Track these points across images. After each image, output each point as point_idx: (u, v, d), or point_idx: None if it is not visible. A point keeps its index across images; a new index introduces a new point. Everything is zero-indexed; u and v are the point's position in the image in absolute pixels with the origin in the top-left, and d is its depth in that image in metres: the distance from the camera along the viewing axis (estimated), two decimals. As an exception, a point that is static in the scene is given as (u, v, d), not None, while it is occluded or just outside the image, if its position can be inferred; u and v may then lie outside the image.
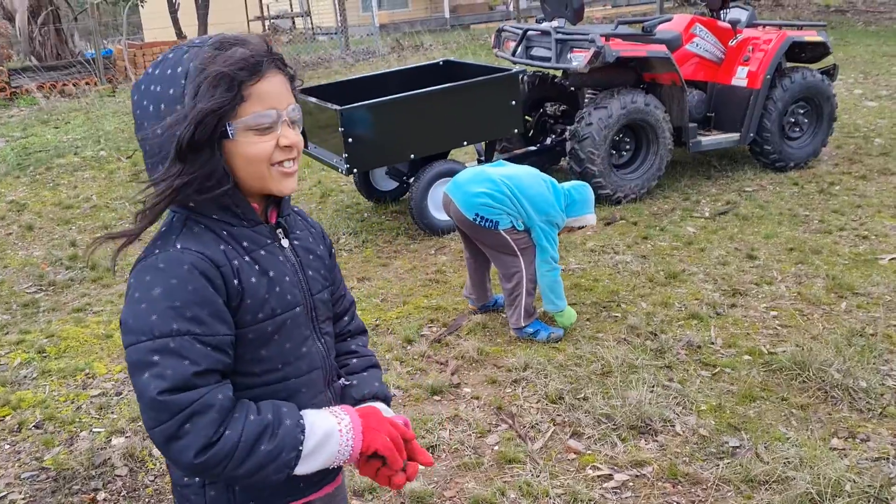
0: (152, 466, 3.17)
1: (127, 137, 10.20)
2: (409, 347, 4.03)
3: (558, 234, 4.03)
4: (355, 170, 5.27)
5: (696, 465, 2.97)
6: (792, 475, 2.81)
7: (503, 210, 3.79)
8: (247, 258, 1.32)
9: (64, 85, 16.43)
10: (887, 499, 2.67)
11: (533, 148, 6.65)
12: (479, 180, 3.87)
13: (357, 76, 6.73)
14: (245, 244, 1.33)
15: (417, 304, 4.54)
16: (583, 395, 3.44)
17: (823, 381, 3.43)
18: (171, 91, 1.25)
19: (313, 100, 5.48)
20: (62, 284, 5.30)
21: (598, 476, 2.95)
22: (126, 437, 3.37)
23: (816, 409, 3.29)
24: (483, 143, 6.18)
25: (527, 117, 7.06)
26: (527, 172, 3.96)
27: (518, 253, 3.87)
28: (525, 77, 6.88)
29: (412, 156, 5.43)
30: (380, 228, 5.94)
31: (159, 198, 1.28)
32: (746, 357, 3.72)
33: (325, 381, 1.46)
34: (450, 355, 3.91)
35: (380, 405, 1.52)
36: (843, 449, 3.02)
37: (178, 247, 1.27)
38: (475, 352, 3.86)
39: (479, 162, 6.24)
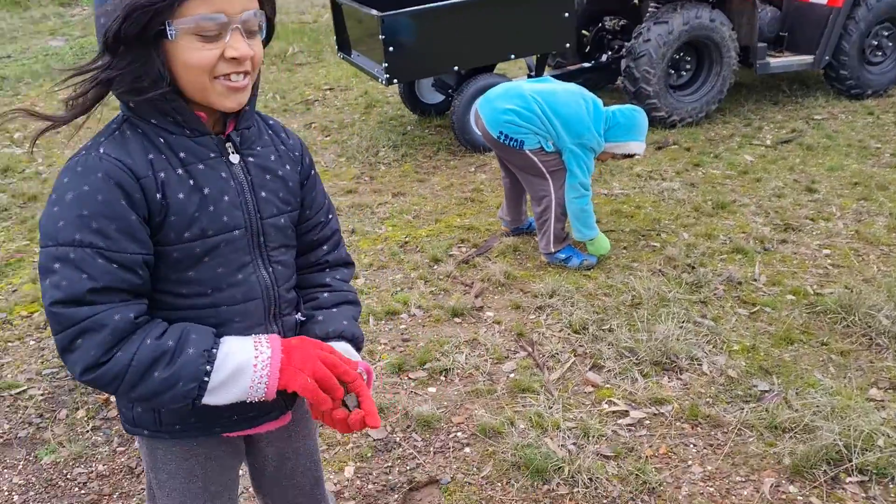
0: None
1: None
2: (435, 267, 3.92)
3: (598, 160, 3.80)
4: (395, 80, 5.06)
5: (719, 407, 2.82)
6: (820, 424, 2.63)
7: (530, 129, 3.57)
8: (179, 171, 1.21)
9: (126, -15, 16.36)
10: (922, 457, 2.49)
11: (587, 65, 6.32)
12: (508, 96, 3.64)
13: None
14: (181, 155, 1.21)
15: (450, 223, 4.40)
16: (608, 326, 3.29)
17: (870, 327, 3.19)
18: None
19: (355, 4, 5.25)
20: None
21: (614, 412, 2.83)
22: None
23: (858, 356, 3.08)
24: (534, 58, 5.87)
25: (584, 31, 6.69)
26: (565, 90, 3.70)
27: (547, 175, 3.67)
28: (584, -12, 6.47)
29: (456, 68, 5.20)
30: (421, 143, 5.77)
31: (84, 87, 1.17)
32: (790, 297, 3.50)
33: (268, 314, 1.34)
34: (476, 277, 3.79)
35: (344, 345, 1.40)
36: (882, 401, 2.82)
37: (101, 151, 1.16)
38: (502, 275, 3.73)
39: (529, 77, 5.95)
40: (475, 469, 2.58)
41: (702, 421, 2.76)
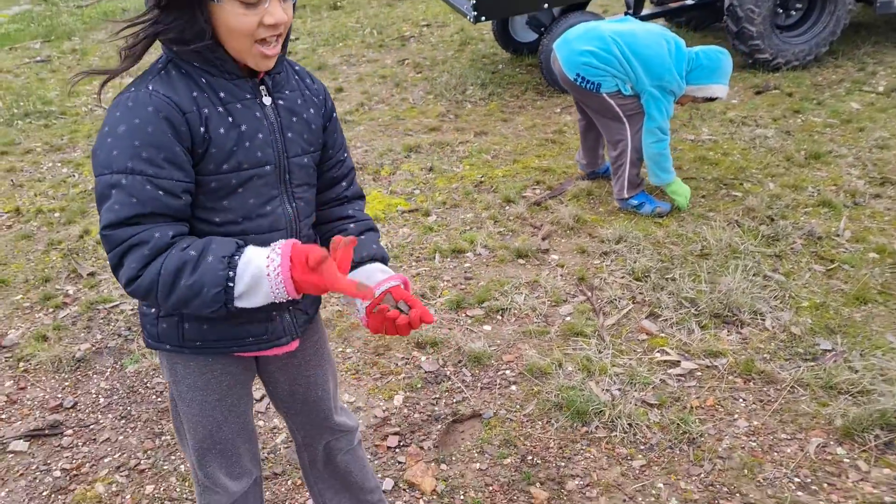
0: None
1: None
2: (507, 208, 3.95)
3: (678, 104, 3.68)
4: (483, 18, 5.02)
5: (776, 363, 2.75)
6: (880, 388, 2.54)
7: (608, 72, 3.48)
8: (220, 108, 1.32)
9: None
10: None
11: (690, 2, 6.01)
12: (587, 38, 3.55)
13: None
14: (222, 95, 1.32)
15: (527, 164, 4.39)
16: (671, 275, 3.25)
17: (956, 291, 3.01)
18: None
19: (447, -61, 5.20)
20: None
21: (665, 361, 2.82)
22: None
23: (939, 320, 2.92)
24: (632, -7, 5.66)
25: (690, -34, 6.35)
26: (646, 30, 3.57)
27: (624, 119, 3.59)
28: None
29: (545, 5, 5.08)
30: (510, 82, 5.72)
31: (135, 40, 1.28)
32: (873, 255, 3.32)
33: None
34: (546, 220, 3.80)
35: (378, 265, 1.52)
36: (956, 369, 2.67)
37: (150, 88, 1.28)
38: (571, 219, 3.72)
39: (626, 14, 5.75)
40: (518, 406, 2.65)
41: (755, 376, 2.71)
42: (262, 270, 1.25)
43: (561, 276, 3.36)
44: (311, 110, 1.47)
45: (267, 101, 1.38)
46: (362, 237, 1.57)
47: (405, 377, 2.83)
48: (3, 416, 2.83)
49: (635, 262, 3.35)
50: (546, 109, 5.17)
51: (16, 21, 9.72)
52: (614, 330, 3.00)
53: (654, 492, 2.27)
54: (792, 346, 2.84)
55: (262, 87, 1.38)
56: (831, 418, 2.49)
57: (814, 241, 3.44)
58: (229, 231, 1.37)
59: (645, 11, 5.98)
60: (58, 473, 2.55)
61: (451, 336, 3.00)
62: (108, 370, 2.98)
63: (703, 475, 2.34)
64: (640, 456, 2.42)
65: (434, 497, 2.32)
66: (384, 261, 1.57)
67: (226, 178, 1.34)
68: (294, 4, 1.35)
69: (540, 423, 2.58)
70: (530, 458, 2.44)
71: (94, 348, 3.10)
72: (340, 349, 3.01)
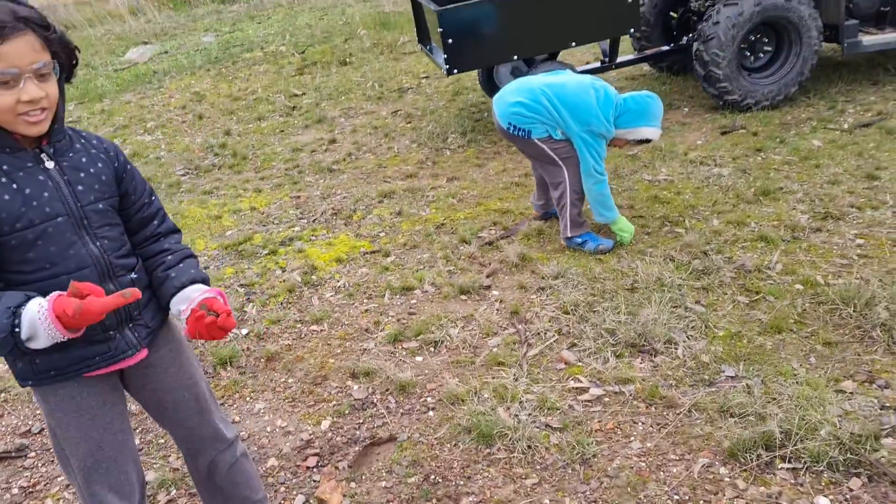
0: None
1: (310, 34, 10.88)
2: (461, 248, 4.18)
3: (614, 146, 3.89)
4: (455, 70, 5.32)
5: (679, 389, 2.90)
6: (769, 412, 2.67)
7: (536, 119, 3.73)
8: (3, 179, 1.58)
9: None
10: (861, 450, 2.47)
11: (665, 48, 6.24)
12: (517, 90, 3.82)
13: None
14: (5, 167, 1.59)
15: (489, 207, 4.63)
16: (597, 308, 3.42)
17: (866, 319, 3.12)
18: None
19: (424, 1, 5.55)
20: (205, 169, 6.01)
21: (576, 388, 2.99)
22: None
23: (845, 347, 3.02)
24: (608, 43, 5.91)
25: (672, 13, 6.60)
26: (575, 81, 3.81)
27: (560, 162, 3.81)
28: (670, -31, 6.39)
29: (515, 57, 5.37)
30: (491, 129, 5.99)
31: None
32: (798, 287, 3.44)
33: (102, 278, 1.71)
34: (494, 258, 4.01)
35: (199, 286, 1.82)
36: (851, 393, 2.78)
37: None
38: (517, 257, 3.93)
39: (602, 63, 6.00)
40: (431, 430, 2.85)
41: (658, 401, 2.86)
42: (34, 319, 1.49)
43: (497, 310, 3.56)
44: (100, 164, 1.75)
45: (49, 164, 1.65)
46: (181, 265, 1.86)
47: (335, 404, 3.06)
48: (-22, 442, 3.15)
49: (567, 296, 3.53)
50: (518, 154, 5.41)
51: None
52: (535, 360, 3.18)
53: (532, 506, 2.44)
54: (698, 373, 2.98)
55: (42, 155, 1.64)
56: (720, 440, 2.62)
57: (743, 275, 3.58)
58: (41, 276, 1.63)
59: (627, 57, 6.22)
60: (16, 491, 2.83)
61: (384, 367, 3.22)
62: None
63: (588, 492, 2.50)
64: (534, 475, 2.59)
65: (333, 511, 2.52)
66: (204, 281, 1.86)
67: (21, 234, 1.59)
68: (62, 80, 1.62)
69: (448, 445, 2.77)
70: (433, 477, 2.63)
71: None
72: (283, 380, 3.26)
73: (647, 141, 3.86)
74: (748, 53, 5.57)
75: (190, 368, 2.00)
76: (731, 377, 2.93)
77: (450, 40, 5.16)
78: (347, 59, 9.00)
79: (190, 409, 1.99)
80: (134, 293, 1.52)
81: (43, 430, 3.15)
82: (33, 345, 1.53)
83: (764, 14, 5.28)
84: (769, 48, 5.60)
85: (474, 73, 7.34)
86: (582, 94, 3.73)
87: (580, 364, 3.12)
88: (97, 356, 1.74)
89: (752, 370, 2.93)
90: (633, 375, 3.00)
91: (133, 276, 1.80)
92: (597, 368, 3.07)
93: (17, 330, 1.50)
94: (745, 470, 2.50)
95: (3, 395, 3.41)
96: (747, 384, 2.86)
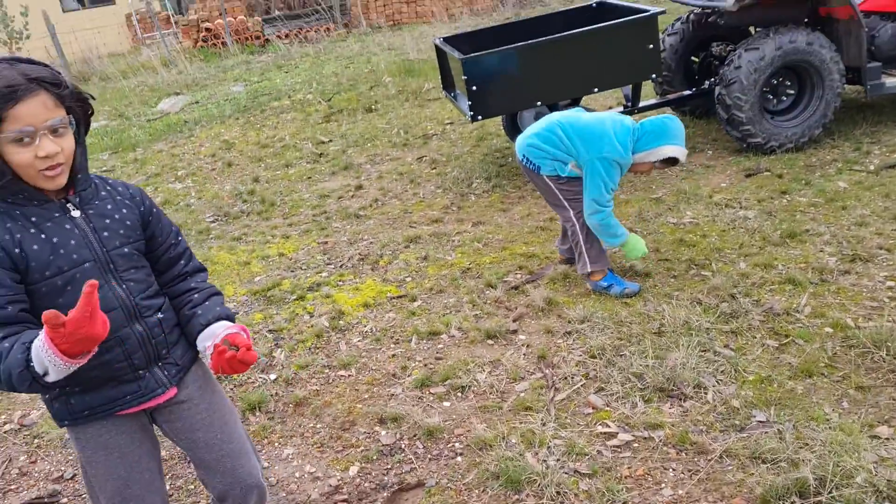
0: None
1: (336, 82, 11.11)
2: (487, 292, 4.20)
3: (638, 172, 3.91)
4: (479, 117, 5.41)
5: (710, 435, 2.87)
6: (803, 457, 2.63)
7: (547, 154, 3.84)
8: (32, 230, 1.69)
9: (307, 32, 18.00)
10: (898, 496, 2.42)
11: (687, 92, 6.29)
12: (538, 125, 3.95)
13: (510, 21, 6.77)
14: (33, 219, 1.70)
15: (514, 251, 4.66)
16: (624, 352, 3.41)
17: (899, 362, 3.08)
18: None
19: (448, 47, 5.67)
20: (234, 215, 6.12)
21: (604, 433, 2.97)
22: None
23: (879, 392, 2.98)
24: (630, 88, 5.98)
25: (693, 58, 6.67)
26: (592, 114, 3.90)
27: (566, 203, 3.91)
28: (691, 15, 6.48)
29: (538, 103, 5.45)
30: (515, 174, 6.05)
31: None
32: (828, 330, 3.41)
33: (129, 318, 1.79)
34: (520, 303, 4.03)
35: (224, 322, 1.90)
36: (887, 439, 2.74)
37: None
38: (543, 301, 3.94)
39: (625, 107, 6.07)
40: (460, 476, 2.84)
41: (688, 447, 2.83)
42: (38, 350, 1.54)
43: (524, 354, 3.57)
44: (125, 210, 1.85)
45: (76, 213, 1.76)
46: (207, 303, 1.95)
47: (364, 450, 3.07)
48: (14, 487, 3.19)
49: (594, 340, 3.53)
50: (543, 199, 5.45)
51: (90, 136, 10.74)
52: (563, 404, 3.17)
53: (563, 554, 2.41)
54: (729, 418, 2.95)
55: (69, 205, 1.75)
56: (752, 487, 2.59)
57: (772, 318, 3.56)
58: None
59: (649, 101, 6.28)
60: (47, 537, 2.86)
61: (412, 412, 3.23)
62: (106, 445, 3.31)
63: (619, 540, 2.47)
64: (563, 522, 2.57)
65: (362, 558, 2.51)
66: (229, 318, 1.95)
67: (51, 281, 1.70)
68: (81, 132, 1.73)
69: (476, 491, 2.76)
70: (461, 523, 2.62)
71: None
72: (311, 425, 3.28)
73: (675, 162, 3.78)
74: (771, 96, 5.60)
75: (222, 408, 2.05)
76: (763, 422, 2.90)
77: (474, 87, 5.25)
78: (373, 107, 9.17)
79: (224, 451, 2.03)
80: (91, 283, 1.50)
81: (75, 475, 3.19)
82: (49, 379, 1.57)
83: (785, 58, 5.32)
84: (792, 91, 5.63)
85: (498, 119, 7.45)
86: (595, 123, 3.79)
87: (608, 409, 3.10)
88: (128, 395, 1.81)
89: (784, 415, 2.90)
90: (662, 420, 2.98)
91: (160, 315, 1.88)
92: (625, 413, 3.06)
93: (31, 364, 1.55)
94: (779, 517, 2.46)
95: (36, 440, 3.46)
96: (779, 429, 2.82)
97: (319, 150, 7.66)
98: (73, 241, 1.73)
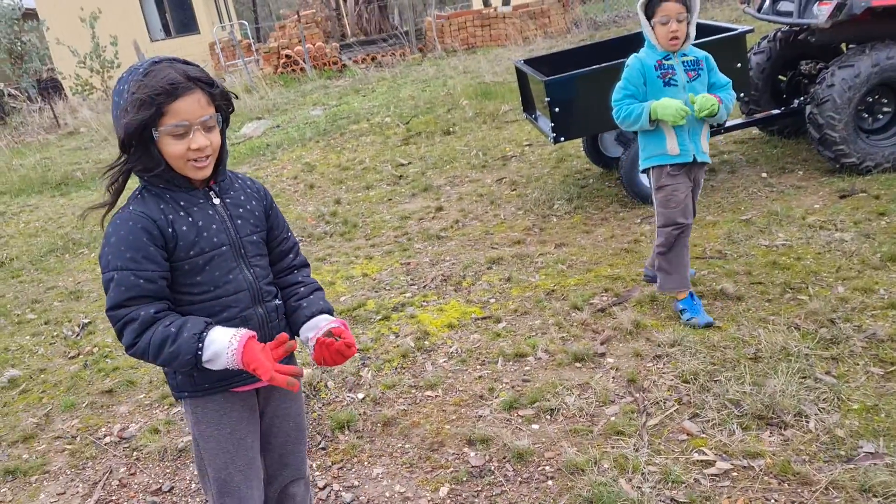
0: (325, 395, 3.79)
1: (413, 105, 11.27)
2: (573, 314, 4.16)
3: (662, 45, 3.72)
4: (562, 138, 5.39)
5: (814, 465, 2.76)
6: (917, 492, 2.50)
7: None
8: (181, 213, 1.85)
9: (382, 56, 18.36)
10: None
11: (776, 111, 6.12)
12: None
13: (586, 42, 6.74)
14: (182, 203, 1.88)
15: (599, 273, 4.61)
16: (719, 378, 3.32)
17: None
18: (119, 102, 1.79)
19: (529, 69, 5.69)
20: (317, 236, 6.25)
21: (701, 460, 2.89)
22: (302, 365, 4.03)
23: None
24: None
25: (780, 77, 6.51)
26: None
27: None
28: (778, 34, 6.33)
29: (621, 124, 5.39)
30: (597, 195, 6.00)
31: (115, 176, 1.86)
32: (938, 357, 3.25)
33: (254, 301, 1.96)
34: (607, 325, 3.97)
35: (325, 316, 2.05)
36: None
37: (131, 208, 1.84)
38: (631, 324, 3.87)
39: (711, 128, 5.94)
40: (551, 500, 2.81)
41: (791, 477, 2.73)
42: (223, 349, 1.76)
43: (613, 378, 3.51)
44: (253, 202, 2.02)
45: (216, 201, 1.93)
46: (311, 297, 2.09)
47: (453, 471, 3.06)
48: (114, 498, 3.30)
49: (686, 365, 3.45)
50: (627, 220, 5.39)
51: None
52: (656, 430, 3.10)
53: (663, 584, 2.35)
54: (834, 447, 2.83)
55: (211, 193, 1.92)
56: (862, 521, 2.47)
57: (876, 344, 3.41)
58: (205, 299, 1.88)
59: (736, 121, 6.15)
60: (148, 547, 2.95)
61: (501, 434, 3.22)
62: (201, 459, 3.41)
63: (721, 572, 2.39)
64: (661, 551, 2.50)
65: (457, 580, 2.50)
66: (330, 312, 2.09)
67: (193, 260, 1.86)
68: (223, 130, 1.88)
69: (569, 516, 2.72)
70: (555, 549, 2.58)
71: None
72: (400, 445, 3.30)
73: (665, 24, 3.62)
74: (866, 115, 5.40)
75: (300, 401, 2.23)
76: (871, 453, 2.77)
77: (557, 109, 5.24)
78: (451, 129, 9.25)
79: (289, 438, 2.20)
80: (293, 386, 1.77)
81: (173, 488, 3.28)
82: (211, 366, 1.77)
83: (882, 75, 5.13)
84: (888, 109, 5.42)
85: (577, 141, 7.41)
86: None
87: (704, 436, 3.02)
88: (244, 373, 1.91)
89: (894, 446, 2.76)
90: (762, 449, 2.88)
91: (277, 301, 2.04)
92: (722, 441, 2.97)
93: (199, 353, 1.74)
94: (894, 555, 2.34)
95: (135, 453, 3.59)
96: (890, 461, 2.69)
97: (399, 173, 7.77)
98: (214, 226, 1.89)
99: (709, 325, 3.77)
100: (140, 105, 1.72)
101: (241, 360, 1.75)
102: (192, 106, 1.76)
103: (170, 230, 1.81)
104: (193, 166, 1.81)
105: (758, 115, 6.15)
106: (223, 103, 1.86)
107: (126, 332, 1.76)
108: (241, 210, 1.96)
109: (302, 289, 2.10)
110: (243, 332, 1.79)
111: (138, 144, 1.78)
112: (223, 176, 1.95)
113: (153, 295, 1.79)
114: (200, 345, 1.74)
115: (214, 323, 1.82)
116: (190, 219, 1.85)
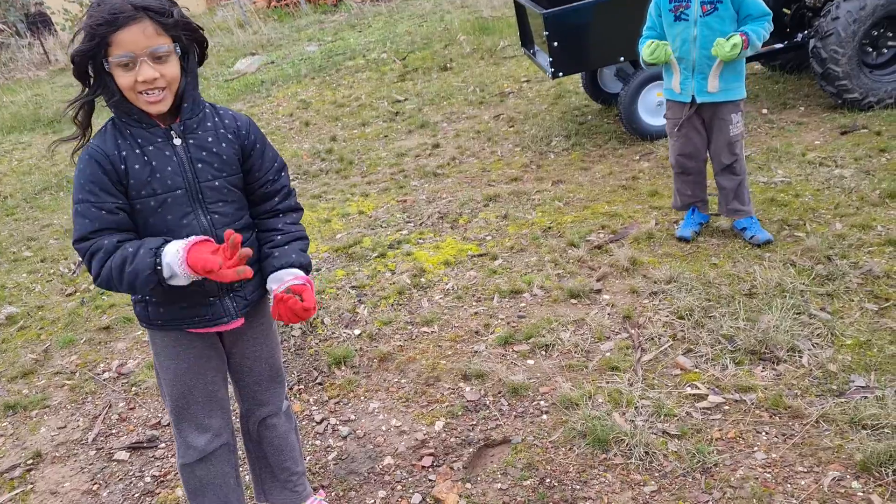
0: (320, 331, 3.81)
1: (409, 41, 11.05)
2: (569, 251, 4.15)
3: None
4: (561, 74, 5.29)
5: (805, 399, 2.79)
6: (906, 425, 2.53)
7: None
8: (137, 151, 1.83)
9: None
10: None
11: (779, 45, 6.00)
12: None
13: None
14: (139, 140, 1.84)
15: (596, 210, 4.58)
16: (713, 314, 3.33)
17: None
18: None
19: (528, 3, 5.55)
20: (313, 174, 6.20)
21: (694, 394, 2.92)
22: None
23: None
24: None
25: (784, 10, 6.35)
26: None
27: None
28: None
29: (622, 59, 5.29)
30: (595, 132, 5.93)
31: (77, 108, 1.84)
32: (933, 294, 3.25)
33: None
34: (604, 262, 3.97)
35: (294, 271, 1.98)
36: None
37: (91, 143, 1.83)
38: (627, 261, 3.87)
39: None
40: (546, 434, 2.84)
41: (782, 411, 2.76)
42: (175, 261, 1.74)
43: (608, 314, 3.52)
44: (224, 144, 1.93)
45: (177, 142, 1.87)
46: (286, 247, 2.03)
47: (448, 405, 3.10)
48: (114, 431, 3.35)
49: (682, 301, 3.46)
50: (625, 157, 5.34)
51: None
52: (650, 365, 3.13)
53: (653, 513, 2.40)
54: (825, 382, 2.86)
55: (172, 132, 1.86)
56: (851, 453, 2.51)
57: (871, 280, 3.41)
58: None
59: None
60: (148, 479, 3.00)
61: (496, 369, 3.24)
62: (200, 394, 3.44)
63: (710, 502, 2.43)
64: (652, 482, 2.54)
65: (451, 509, 2.55)
66: (302, 267, 2.01)
67: (145, 201, 1.84)
68: (183, 60, 1.82)
69: (563, 449, 2.76)
70: (549, 480, 2.63)
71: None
72: (396, 380, 3.32)
73: None
74: (870, 49, 5.30)
75: (273, 343, 2.22)
76: (862, 387, 2.79)
77: (555, 43, 5.13)
78: (448, 65, 9.09)
79: (262, 377, 2.22)
80: (246, 273, 1.70)
81: (172, 422, 3.32)
82: (175, 282, 1.76)
83: (888, 8, 5.01)
84: (893, 43, 5.31)
85: (576, 77, 7.29)
86: None
87: (697, 370, 3.04)
88: (196, 317, 1.94)
89: (885, 380, 2.79)
90: (754, 384, 2.90)
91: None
92: (715, 375, 2.99)
93: (158, 268, 1.73)
94: (881, 485, 2.38)
95: (134, 388, 3.62)
96: (880, 395, 2.72)
97: (395, 109, 7.66)
98: (169, 168, 1.85)
99: (768, 243, 3.83)
100: (83, 36, 1.70)
101: (187, 265, 1.72)
102: (137, 36, 1.70)
103: (122, 166, 1.80)
104: (145, 100, 1.76)
105: (762, 50, 6.02)
106: (183, 34, 1.79)
107: (94, 263, 1.77)
108: (203, 153, 1.89)
109: (279, 237, 2.04)
110: (191, 238, 1.78)
111: (97, 76, 1.76)
112: (190, 113, 1.88)
113: (115, 226, 1.79)
114: (158, 259, 1.73)
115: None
116: (145, 158, 1.82)
